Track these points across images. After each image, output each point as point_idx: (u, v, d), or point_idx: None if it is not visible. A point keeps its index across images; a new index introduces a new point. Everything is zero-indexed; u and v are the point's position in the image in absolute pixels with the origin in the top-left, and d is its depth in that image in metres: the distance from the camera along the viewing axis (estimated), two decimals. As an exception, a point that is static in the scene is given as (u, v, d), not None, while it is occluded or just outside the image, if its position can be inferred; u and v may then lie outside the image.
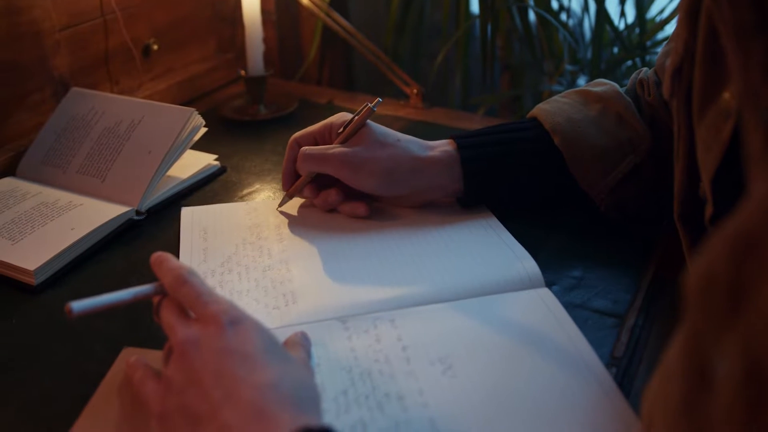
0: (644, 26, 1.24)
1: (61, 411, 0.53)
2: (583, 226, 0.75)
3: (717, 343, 0.29)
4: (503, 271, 0.66)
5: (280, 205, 0.80)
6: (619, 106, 0.74)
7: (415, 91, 1.12)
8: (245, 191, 0.86)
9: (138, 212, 0.79)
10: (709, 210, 0.50)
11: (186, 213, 0.79)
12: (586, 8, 1.34)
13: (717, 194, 0.49)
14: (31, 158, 0.87)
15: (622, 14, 1.25)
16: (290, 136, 0.78)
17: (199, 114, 0.85)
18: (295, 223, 0.77)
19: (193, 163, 0.88)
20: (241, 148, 0.98)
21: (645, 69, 0.78)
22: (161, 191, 0.82)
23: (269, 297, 0.65)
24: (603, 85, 0.77)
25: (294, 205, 0.81)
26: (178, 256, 0.71)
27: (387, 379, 0.54)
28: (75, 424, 0.51)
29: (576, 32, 1.36)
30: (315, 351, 0.57)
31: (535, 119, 0.76)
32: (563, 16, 1.34)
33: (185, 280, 0.51)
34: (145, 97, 1.04)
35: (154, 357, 0.55)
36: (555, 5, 1.31)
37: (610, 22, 1.21)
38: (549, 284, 0.65)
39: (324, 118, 0.78)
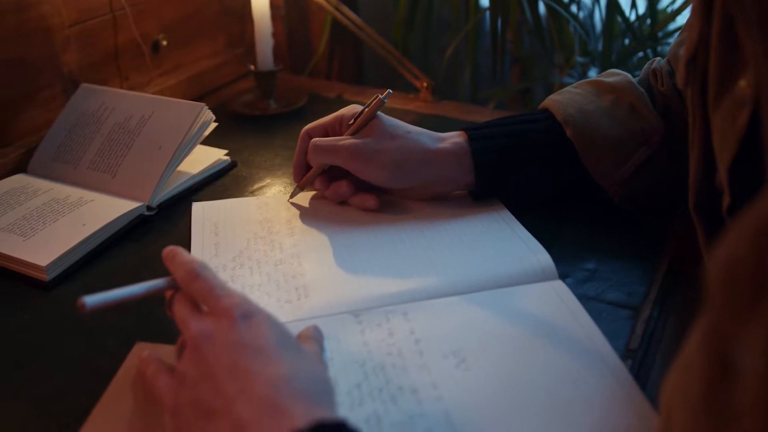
0: (655, 17, 1.23)
1: (73, 406, 0.53)
2: (597, 218, 0.74)
3: (739, 334, 0.28)
4: (516, 263, 0.66)
5: (291, 196, 0.80)
6: (632, 97, 0.73)
7: (425, 84, 1.11)
8: (256, 186, 0.86)
9: (149, 208, 0.79)
10: (726, 200, 0.49)
11: (197, 208, 0.79)
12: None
13: (734, 184, 0.48)
14: (42, 155, 0.87)
15: (633, 5, 1.24)
16: (300, 130, 0.78)
17: (209, 109, 0.84)
18: (307, 217, 0.77)
19: (203, 159, 0.88)
20: (252, 143, 0.98)
21: (658, 59, 0.77)
22: (172, 186, 0.82)
23: (281, 291, 0.64)
24: (616, 75, 0.76)
25: (305, 197, 0.80)
26: (189, 251, 0.71)
27: (400, 372, 0.54)
28: (87, 420, 0.51)
29: (587, 24, 1.35)
30: (328, 345, 0.57)
31: (546, 110, 0.76)
32: (573, 8, 1.33)
33: (198, 274, 0.51)
34: (154, 93, 1.04)
35: (166, 352, 0.55)
36: (565, -3, 1.30)
37: (621, 13, 1.20)
38: (562, 276, 0.65)
39: (334, 112, 0.77)
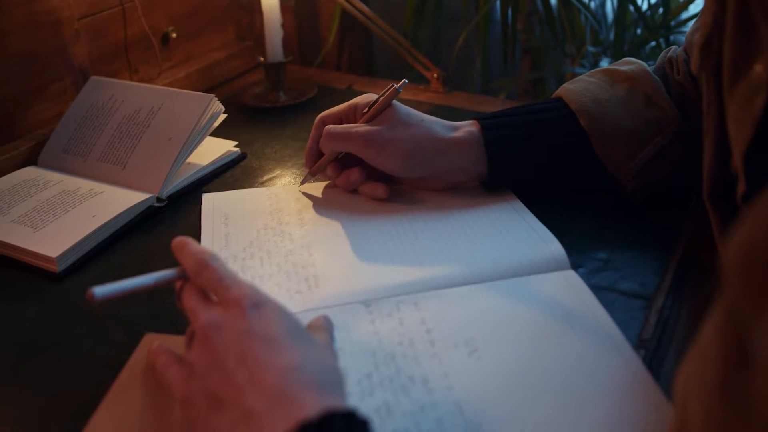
0: (668, 6, 1.21)
1: (83, 397, 0.53)
2: (610, 208, 0.74)
3: (758, 319, 0.28)
4: (528, 253, 0.65)
5: (303, 182, 0.81)
6: (647, 86, 0.72)
7: (435, 75, 1.11)
8: (266, 177, 0.86)
9: (159, 199, 0.79)
10: (741, 187, 0.48)
11: (207, 199, 0.79)
12: (608, -11, 1.32)
13: (749, 171, 0.47)
14: (53, 147, 0.87)
15: (646, -6, 1.23)
16: (310, 122, 0.78)
17: (218, 100, 0.84)
18: (317, 208, 0.76)
19: (213, 150, 0.88)
20: (262, 134, 0.98)
21: (674, 47, 0.76)
22: (182, 178, 0.82)
23: (291, 281, 0.64)
24: (631, 64, 0.75)
25: (316, 188, 0.80)
26: (199, 242, 0.71)
27: (411, 362, 0.54)
28: (97, 410, 0.51)
29: (598, 13, 1.34)
30: (338, 335, 0.57)
31: (560, 100, 0.75)
32: (585, -2, 1.32)
33: (207, 264, 0.50)
34: (164, 86, 1.03)
35: (176, 342, 0.55)
36: (577, -14, 1.29)
37: (633, 2, 1.19)
38: (575, 267, 0.64)
39: (344, 103, 0.77)
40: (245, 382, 0.43)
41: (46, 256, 0.68)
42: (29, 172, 0.84)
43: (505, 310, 0.59)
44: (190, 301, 0.50)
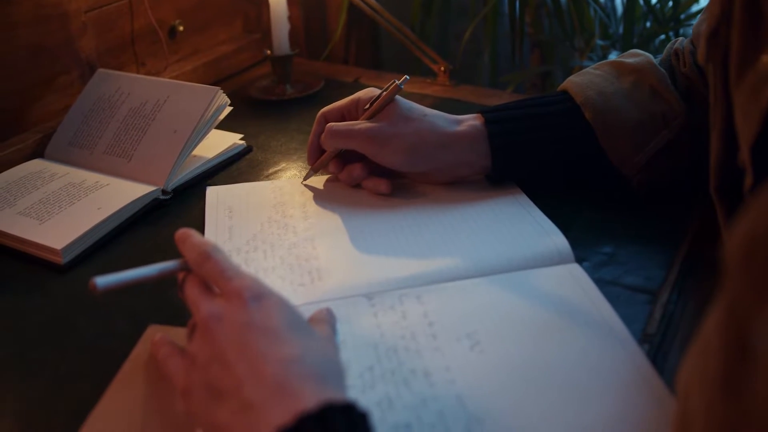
0: (678, -2, 1.20)
1: (87, 387, 0.53)
2: (615, 201, 0.73)
3: (759, 313, 0.27)
4: (532, 246, 0.65)
5: (305, 179, 0.80)
6: (653, 79, 0.71)
7: (442, 68, 1.10)
8: (271, 170, 0.86)
9: (164, 192, 0.79)
10: (748, 180, 0.47)
11: (211, 192, 0.79)
12: (618, -19, 1.31)
13: (757, 163, 0.47)
14: (59, 140, 0.87)
15: (656, -14, 1.22)
16: (316, 115, 0.77)
17: (224, 93, 0.84)
18: (321, 201, 0.76)
19: (218, 143, 0.88)
20: (268, 127, 0.98)
21: (681, 39, 0.75)
22: (187, 171, 0.82)
23: (295, 274, 0.64)
24: (637, 56, 0.75)
25: (320, 180, 0.80)
26: (203, 234, 0.71)
27: (413, 355, 0.53)
28: (100, 401, 0.51)
29: (608, 7, 1.33)
30: (340, 327, 0.56)
31: (565, 92, 0.74)
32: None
33: (209, 255, 0.50)
34: (171, 79, 1.03)
35: (179, 334, 0.55)
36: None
37: (643, -6, 1.18)
38: (579, 260, 0.64)
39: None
40: (245, 374, 0.43)
41: (51, 248, 0.68)
42: (36, 164, 0.84)
43: (508, 303, 0.58)
44: (192, 292, 0.50)
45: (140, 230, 0.75)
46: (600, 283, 0.61)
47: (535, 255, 0.64)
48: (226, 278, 0.49)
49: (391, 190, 0.75)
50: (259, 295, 0.47)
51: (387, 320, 0.57)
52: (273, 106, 1.05)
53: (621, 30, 1.24)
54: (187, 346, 0.48)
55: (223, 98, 0.84)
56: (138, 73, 1.06)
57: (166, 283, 0.55)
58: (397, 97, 0.74)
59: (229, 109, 0.86)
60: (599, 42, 1.26)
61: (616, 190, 0.73)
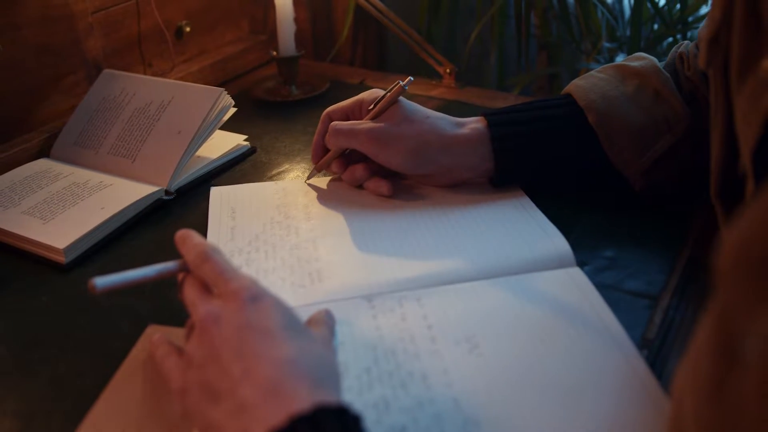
0: (685, 1, 1.19)
1: (87, 386, 0.54)
2: (618, 205, 0.73)
3: (750, 319, 0.27)
4: (533, 249, 0.65)
5: (308, 177, 0.81)
6: (657, 82, 0.71)
7: (448, 70, 1.10)
8: (274, 171, 0.86)
9: (167, 192, 0.79)
10: (749, 186, 0.47)
11: (215, 192, 0.79)
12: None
13: (758, 169, 0.46)
14: (65, 139, 0.88)
15: (663, -11, 1.21)
16: (321, 115, 0.78)
17: (228, 94, 0.84)
18: (324, 202, 0.76)
19: (222, 144, 0.88)
20: (272, 128, 0.98)
21: (686, 42, 0.74)
22: (190, 171, 0.82)
23: (295, 275, 0.64)
24: (642, 59, 0.74)
25: (324, 181, 0.80)
26: (206, 235, 0.71)
27: (411, 357, 0.53)
28: (99, 399, 0.51)
29: (615, 9, 1.33)
30: (339, 329, 0.56)
31: (569, 96, 0.74)
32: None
33: (208, 256, 0.51)
34: (178, 79, 1.04)
35: (178, 334, 0.55)
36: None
37: (651, -3, 1.18)
38: (581, 264, 0.64)
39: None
40: (240, 375, 0.43)
41: (54, 248, 0.68)
42: (41, 164, 0.85)
43: (507, 306, 0.58)
44: (190, 293, 0.50)
45: (143, 230, 0.75)
46: (601, 287, 0.60)
47: (536, 258, 0.64)
48: (224, 279, 0.49)
49: (393, 192, 0.75)
50: (256, 297, 0.47)
51: (386, 322, 0.57)
52: (278, 108, 1.05)
53: (628, 32, 1.23)
54: (185, 346, 0.49)
55: (227, 99, 0.84)
56: (145, 73, 1.06)
57: (167, 284, 0.55)
58: (401, 98, 0.74)
59: (233, 110, 0.86)
60: (606, 44, 1.26)
61: (619, 193, 0.73)
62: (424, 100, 1.05)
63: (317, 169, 0.79)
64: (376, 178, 0.76)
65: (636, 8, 1.16)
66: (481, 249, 0.65)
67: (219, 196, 0.79)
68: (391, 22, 1.11)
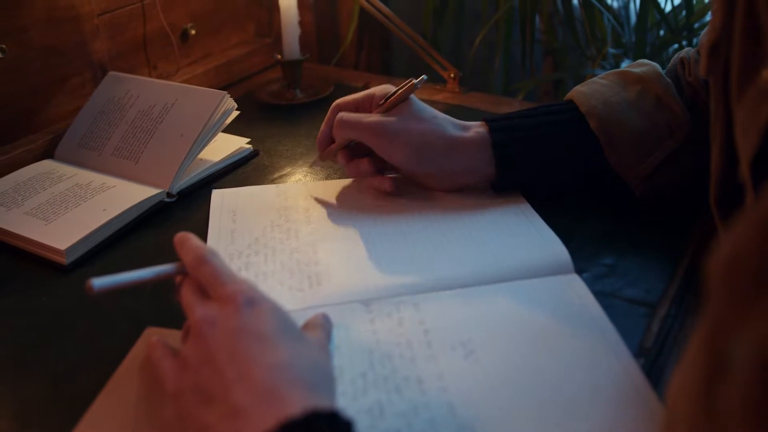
0: (691, 7, 1.19)
1: (85, 386, 0.54)
2: (618, 212, 0.73)
3: (738, 330, 0.27)
4: (532, 256, 0.65)
5: (312, 165, 0.84)
6: (658, 88, 0.71)
7: (452, 75, 1.10)
8: (276, 175, 0.86)
9: (169, 195, 0.79)
10: (749, 196, 0.47)
11: (216, 195, 0.80)
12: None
13: (757, 179, 0.46)
14: (69, 141, 0.88)
15: (669, -5, 1.21)
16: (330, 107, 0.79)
17: (231, 97, 0.85)
18: (325, 206, 0.76)
19: (225, 147, 0.88)
20: (276, 132, 0.98)
21: (687, 48, 0.74)
22: (192, 174, 0.83)
23: (294, 279, 0.64)
24: (644, 66, 0.75)
25: (324, 186, 0.80)
26: (206, 238, 0.72)
27: (407, 362, 0.53)
28: (95, 401, 0.52)
29: (621, 15, 1.32)
30: (336, 333, 0.57)
31: (571, 102, 0.74)
32: (608, -1, 1.31)
33: (205, 259, 0.51)
34: (182, 82, 1.04)
35: (176, 337, 0.55)
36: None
37: (656, 4, 1.17)
38: (580, 271, 0.63)
39: None
40: (234, 378, 0.43)
41: (55, 248, 0.69)
42: (45, 165, 0.85)
43: (504, 313, 0.58)
44: (187, 296, 0.50)
45: (144, 232, 0.75)
46: (599, 294, 0.60)
47: (535, 265, 0.64)
48: (221, 283, 0.49)
49: (395, 189, 0.76)
50: (252, 301, 0.47)
51: (383, 327, 0.57)
52: (282, 111, 1.05)
53: (634, 39, 1.23)
54: (181, 349, 0.49)
55: (230, 103, 0.85)
56: (150, 75, 1.07)
57: (168, 286, 0.55)
58: (412, 96, 0.74)
59: (236, 113, 0.86)
60: (611, 50, 1.25)
61: (620, 199, 0.73)
62: (428, 104, 1.04)
63: (322, 158, 0.79)
64: (378, 175, 0.76)
65: (642, 14, 1.16)
66: (479, 255, 0.65)
67: (220, 198, 0.79)
68: (396, 27, 1.11)
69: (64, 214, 0.74)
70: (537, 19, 1.27)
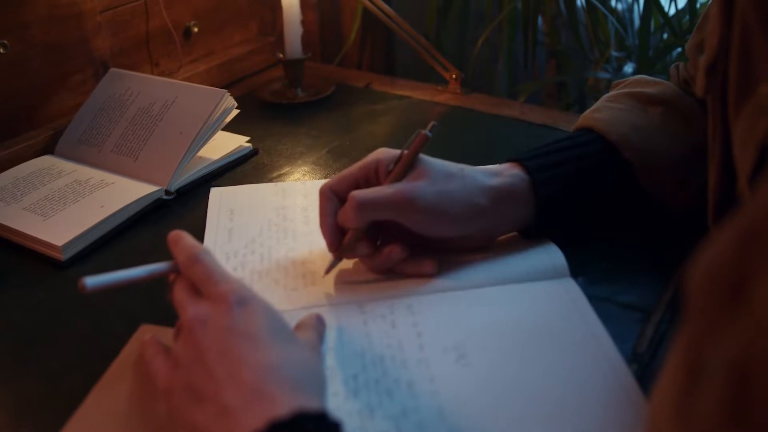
0: (695, 11, 1.19)
1: (78, 383, 0.54)
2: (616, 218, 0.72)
3: (714, 341, 0.27)
4: (527, 260, 0.65)
5: (327, 271, 0.63)
6: (683, 107, 0.67)
7: (453, 76, 1.10)
8: (275, 174, 0.86)
9: (167, 192, 0.80)
10: None
11: (215, 193, 0.80)
12: (636, -7, 1.30)
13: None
14: (69, 137, 0.89)
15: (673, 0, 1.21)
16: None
17: (231, 96, 0.85)
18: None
19: (225, 145, 0.88)
20: (276, 131, 0.98)
21: (682, 64, 0.72)
22: (191, 172, 0.83)
23: (289, 278, 0.64)
24: (656, 85, 0.70)
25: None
26: (204, 235, 0.72)
27: (399, 365, 0.54)
28: (87, 397, 0.52)
29: (624, 18, 1.32)
30: (329, 334, 0.57)
31: (591, 131, 0.68)
32: (613, 1, 1.30)
33: (198, 258, 0.51)
34: (184, 80, 1.05)
35: (170, 334, 0.55)
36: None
37: (660, 7, 1.17)
38: (575, 275, 0.63)
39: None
40: (224, 378, 0.43)
41: (52, 244, 0.69)
42: (45, 161, 0.86)
43: (498, 316, 0.58)
44: (179, 294, 0.51)
45: (142, 230, 0.76)
46: (594, 299, 0.60)
47: (530, 268, 0.64)
48: (213, 282, 0.49)
49: (437, 269, 0.63)
50: (243, 300, 0.47)
51: (376, 329, 0.58)
52: (283, 110, 1.06)
53: (637, 42, 1.23)
54: (172, 347, 0.49)
55: (230, 101, 0.85)
56: (152, 73, 1.07)
57: (163, 284, 0.56)
58: (421, 155, 0.62)
59: (236, 111, 0.86)
60: (614, 53, 1.25)
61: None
62: (429, 106, 1.05)
63: (338, 257, 0.63)
64: (414, 259, 0.63)
65: (645, 17, 1.16)
66: (474, 258, 0.65)
67: (219, 197, 0.79)
68: (399, 27, 1.11)
69: (62, 210, 0.74)
70: (540, 21, 1.27)
